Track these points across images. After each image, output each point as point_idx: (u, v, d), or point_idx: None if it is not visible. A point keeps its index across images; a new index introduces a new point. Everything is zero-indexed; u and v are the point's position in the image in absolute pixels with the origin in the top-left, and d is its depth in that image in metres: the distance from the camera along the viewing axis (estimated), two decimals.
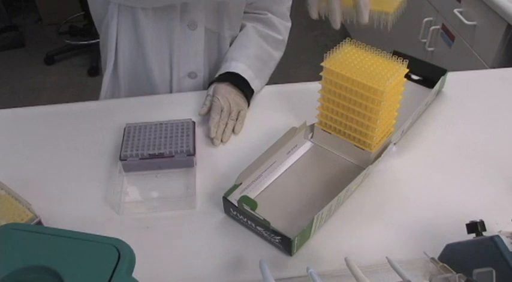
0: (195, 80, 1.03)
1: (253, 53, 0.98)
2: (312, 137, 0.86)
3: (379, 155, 0.77)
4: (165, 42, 0.96)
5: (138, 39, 0.95)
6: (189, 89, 1.03)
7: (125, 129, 0.84)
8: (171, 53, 0.98)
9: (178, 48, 0.97)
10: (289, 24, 1.08)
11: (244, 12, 1.04)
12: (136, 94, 1.03)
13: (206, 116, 0.90)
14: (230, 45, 1.03)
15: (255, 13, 1.04)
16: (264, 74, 1.01)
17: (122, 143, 0.81)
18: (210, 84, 0.96)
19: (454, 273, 0.53)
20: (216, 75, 0.97)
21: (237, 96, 0.92)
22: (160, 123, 0.85)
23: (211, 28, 0.97)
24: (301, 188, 0.77)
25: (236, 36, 1.04)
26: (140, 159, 0.79)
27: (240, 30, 1.03)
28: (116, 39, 0.96)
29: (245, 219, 0.69)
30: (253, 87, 0.95)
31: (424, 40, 1.73)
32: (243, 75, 0.93)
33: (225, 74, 0.94)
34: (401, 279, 0.51)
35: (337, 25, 0.67)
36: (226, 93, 0.91)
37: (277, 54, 1.06)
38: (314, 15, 0.68)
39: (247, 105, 0.94)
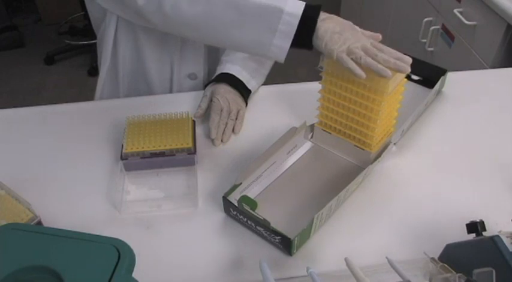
0: (195, 81, 1.03)
1: (247, 55, 0.98)
2: (312, 137, 0.86)
3: (379, 155, 0.77)
4: (166, 45, 0.96)
5: (137, 43, 0.96)
6: (189, 89, 1.03)
7: (125, 129, 0.84)
8: (172, 55, 0.98)
9: (180, 50, 0.97)
10: None
11: None
12: (135, 95, 1.03)
13: (206, 115, 0.90)
14: None
15: None
16: (260, 74, 1.00)
17: (123, 142, 0.81)
18: (205, 85, 0.96)
19: (454, 273, 0.53)
20: (212, 78, 0.97)
21: (236, 95, 0.92)
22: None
23: None
24: (301, 188, 0.77)
25: None
26: (141, 158, 0.79)
27: None
28: (114, 42, 0.96)
29: (245, 219, 0.69)
30: (249, 87, 0.95)
31: (424, 40, 1.73)
32: (238, 76, 0.93)
33: (221, 75, 0.94)
34: (401, 279, 0.51)
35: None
36: (225, 93, 0.91)
37: None
38: (361, 74, 0.67)
39: (245, 105, 0.94)
